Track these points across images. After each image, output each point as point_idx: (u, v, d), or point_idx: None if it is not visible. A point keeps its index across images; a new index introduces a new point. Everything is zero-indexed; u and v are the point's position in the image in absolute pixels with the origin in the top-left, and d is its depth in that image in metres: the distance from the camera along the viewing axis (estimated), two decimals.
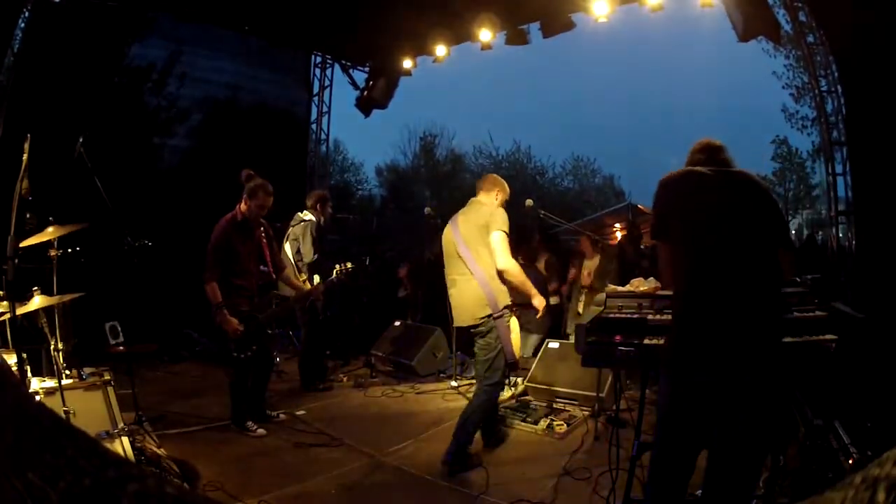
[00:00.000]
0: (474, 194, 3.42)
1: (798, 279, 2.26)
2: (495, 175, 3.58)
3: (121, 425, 2.75)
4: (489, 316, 3.09)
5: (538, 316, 3.38)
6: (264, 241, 3.76)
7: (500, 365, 3.14)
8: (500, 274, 3.11)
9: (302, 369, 4.86)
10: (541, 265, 5.92)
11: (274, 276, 3.86)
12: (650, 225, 2.01)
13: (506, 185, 3.49)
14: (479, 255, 3.13)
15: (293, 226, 4.84)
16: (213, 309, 3.51)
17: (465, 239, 3.18)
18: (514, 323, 3.19)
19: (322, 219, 4.92)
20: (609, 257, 5.66)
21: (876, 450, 2.47)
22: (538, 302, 3.28)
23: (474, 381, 5.19)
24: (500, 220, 3.15)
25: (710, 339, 1.72)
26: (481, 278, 3.10)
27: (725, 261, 1.75)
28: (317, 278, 4.51)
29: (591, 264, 5.67)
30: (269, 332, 3.78)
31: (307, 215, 4.81)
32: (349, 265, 4.10)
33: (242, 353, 3.55)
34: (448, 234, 3.33)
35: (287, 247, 4.82)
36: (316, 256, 4.59)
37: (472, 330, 3.20)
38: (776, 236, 1.81)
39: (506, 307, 3.12)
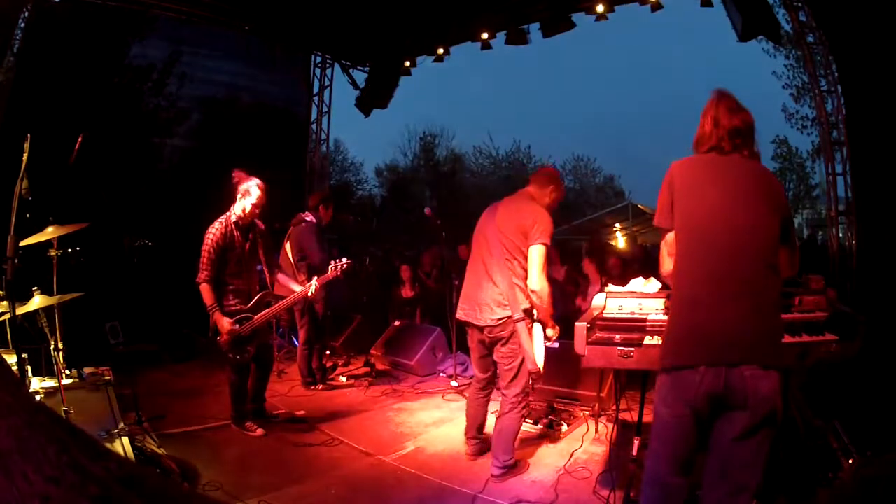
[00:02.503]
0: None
1: (799, 279, 2.26)
2: (554, 170, 3.30)
3: (121, 425, 2.75)
4: (508, 318, 2.84)
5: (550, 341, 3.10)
6: (259, 241, 3.74)
7: (524, 374, 2.89)
8: (530, 291, 2.85)
9: (301, 369, 4.86)
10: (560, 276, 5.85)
11: (269, 276, 3.84)
12: (657, 209, 1.95)
13: (563, 185, 3.21)
14: (510, 255, 2.87)
15: (294, 226, 4.83)
16: (208, 310, 3.50)
17: (501, 234, 2.90)
18: (537, 330, 2.93)
19: (324, 220, 4.91)
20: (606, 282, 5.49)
21: (876, 450, 2.47)
22: (552, 332, 3.02)
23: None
24: (545, 230, 2.84)
25: (708, 330, 1.71)
26: (505, 278, 2.85)
27: (727, 251, 1.74)
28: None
29: (594, 291, 5.55)
30: (264, 332, 3.76)
31: (308, 216, 4.80)
32: (344, 262, 4.07)
33: (237, 353, 3.54)
34: (485, 221, 3.03)
35: (287, 247, 4.81)
36: (322, 257, 4.55)
37: (490, 334, 2.90)
38: (781, 231, 1.80)
39: (525, 310, 2.86)
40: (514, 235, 2.86)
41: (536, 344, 2.87)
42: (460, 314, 3.07)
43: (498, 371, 2.99)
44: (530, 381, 2.99)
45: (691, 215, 1.82)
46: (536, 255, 2.81)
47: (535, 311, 2.93)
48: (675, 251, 1.86)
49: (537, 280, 2.81)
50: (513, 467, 3.02)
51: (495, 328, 2.86)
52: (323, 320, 4.93)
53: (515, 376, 2.88)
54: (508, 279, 2.83)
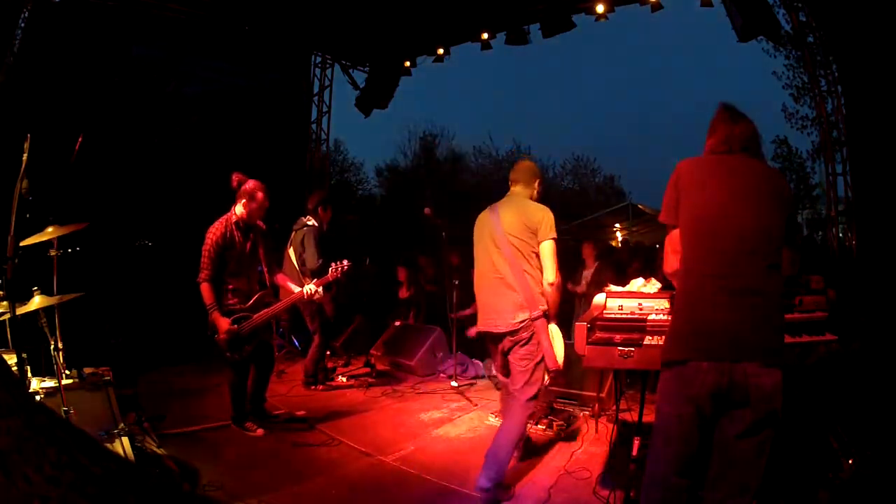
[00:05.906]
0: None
1: (799, 279, 2.26)
2: (532, 163, 3.23)
3: (121, 425, 2.75)
4: (527, 319, 2.79)
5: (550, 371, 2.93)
6: (260, 241, 3.74)
7: (539, 376, 2.83)
8: (548, 284, 2.87)
9: (308, 368, 4.84)
10: None
11: (268, 276, 3.84)
12: (663, 206, 1.96)
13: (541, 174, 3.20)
14: (523, 254, 2.86)
15: (296, 230, 4.81)
16: (207, 309, 3.50)
17: (510, 234, 2.88)
18: (554, 329, 2.90)
19: (324, 222, 4.89)
20: (604, 265, 5.73)
21: (876, 450, 2.47)
22: (551, 363, 2.85)
23: (474, 381, 5.20)
24: (551, 225, 2.90)
25: (711, 327, 1.71)
26: (520, 279, 2.82)
27: (731, 249, 1.74)
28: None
29: (588, 273, 5.72)
30: (264, 332, 3.75)
31: (310, 220, 4.78)
32: (345, 264, 4.07)
33: (235, 352, 3.54)
34: (487, 224, 3.00)
35: (291, 252, 4.79)
36: (321, 261, 4.54)
37: (510, 337, 2.83)
38: (784, 232, 1.80)
39: (544, 311, 2.82)
40: (524, 236, 2.86)
41: (556, 342, 2.86)
42: (480, 325, 3.01)
43: (511, 373, 2.92)
44: (545, 382, 2.93)
45: (696, 213, 1.83)
46: (549, 250, 2.86)
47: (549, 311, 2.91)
48: (679, 248, 1.87)
49: (553, 272, 2.85)
50: (502, 486, 2.83)
51: (516, 331, 2.81)
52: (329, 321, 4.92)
53: (530, 378, 2.81)
54: (525, 283, 2.82)
